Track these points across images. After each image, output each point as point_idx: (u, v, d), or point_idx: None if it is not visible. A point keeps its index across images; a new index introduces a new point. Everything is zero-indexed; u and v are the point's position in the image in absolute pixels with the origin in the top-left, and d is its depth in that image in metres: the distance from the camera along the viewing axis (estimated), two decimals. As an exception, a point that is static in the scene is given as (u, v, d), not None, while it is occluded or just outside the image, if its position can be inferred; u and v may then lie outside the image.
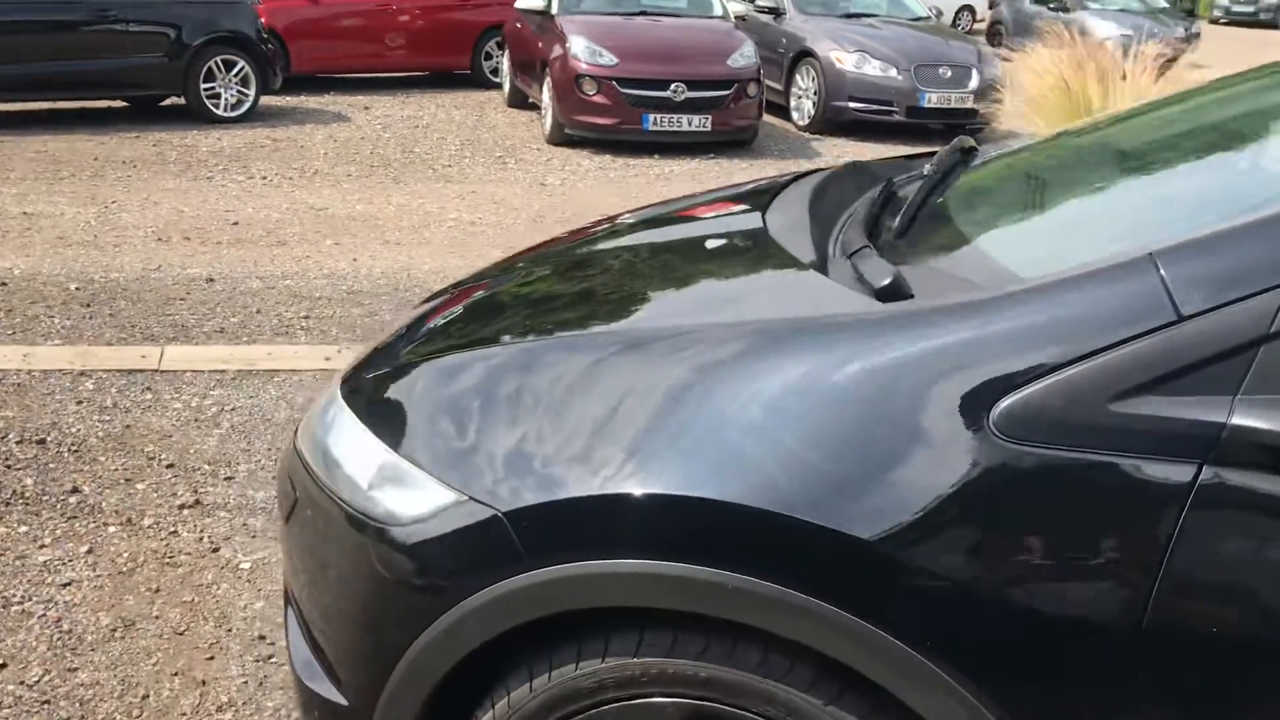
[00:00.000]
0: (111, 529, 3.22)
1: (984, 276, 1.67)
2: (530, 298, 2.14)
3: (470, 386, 1.80)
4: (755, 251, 2.03)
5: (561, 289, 2.15)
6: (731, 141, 9.83)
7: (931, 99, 10.66)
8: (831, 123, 10.88)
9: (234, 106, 9.90)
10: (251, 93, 9.95)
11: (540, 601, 1.59)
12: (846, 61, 10.81)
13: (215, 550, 3.14)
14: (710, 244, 2.17)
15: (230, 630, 2.80)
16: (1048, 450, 1.40)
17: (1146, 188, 2.07)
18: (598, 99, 9.36)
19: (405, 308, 2.54)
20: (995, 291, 1.53)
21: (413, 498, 1.73)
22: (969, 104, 10.72)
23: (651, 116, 9.35)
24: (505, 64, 11.53)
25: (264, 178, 7.89)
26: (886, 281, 1.63)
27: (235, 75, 9.86)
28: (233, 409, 4.02)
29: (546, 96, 9.77)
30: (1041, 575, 1.41)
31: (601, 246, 2.32)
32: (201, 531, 3.23)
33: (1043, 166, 2.43)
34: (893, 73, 10.71)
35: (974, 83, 10.75)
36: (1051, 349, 1.43)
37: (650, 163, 9.19)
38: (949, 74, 10.75)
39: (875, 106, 10.71)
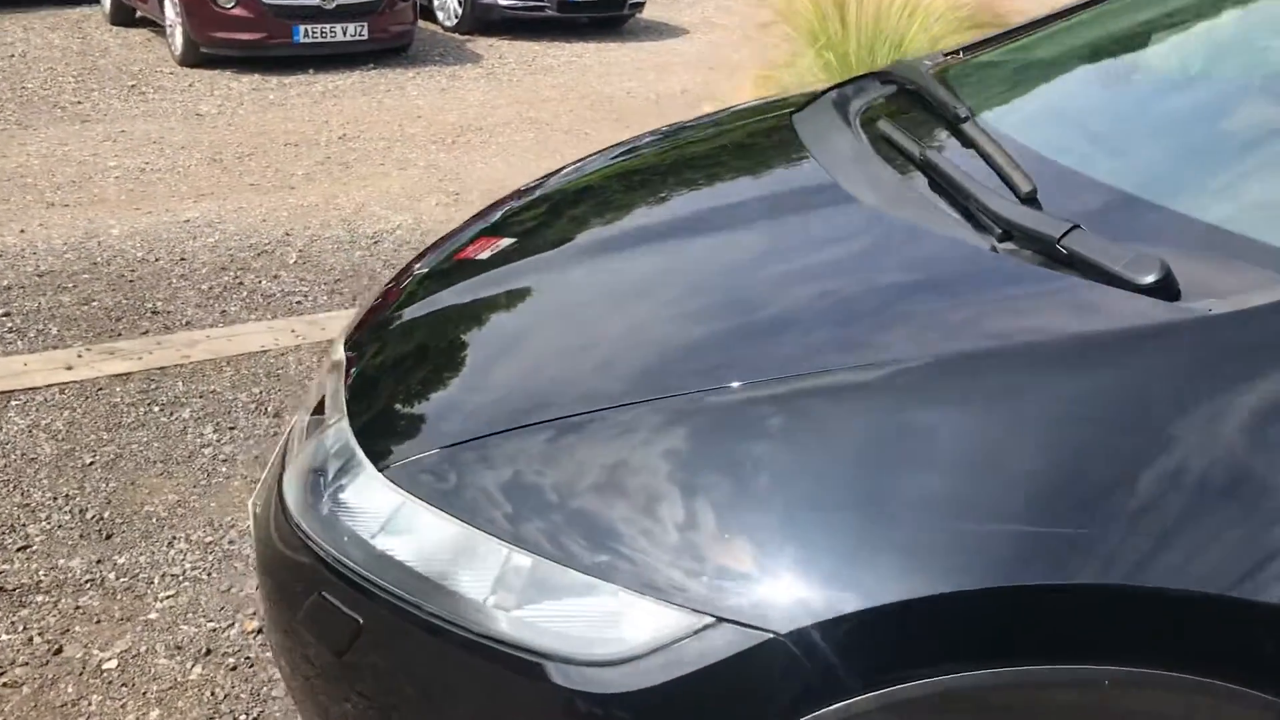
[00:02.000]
0: (-102, 650, 2.46)
1: (1232, 251, 1.45)
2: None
3: (660, 458, 1.39)
4: (887, 233, 1.71)
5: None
6: (388, 49, 9.12)
7: (582, -9, 10.38)
8: (481, 21, 10.36)
9: None
10: None
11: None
12: (491, -45, 10.28)
13: (59, 652, 2.46)
14: (814, 231, 1.80)
15: (134, 758, 2.21)
16: None
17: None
18: (237, 12, 8.34)
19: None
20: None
21: (614, 623, 1.32)
22: (618, -7, 10.55)
23: (302, 28, 8.48)
24: (101, -25, 10.06)
25: None
26: (1155, 276, 1.38)
27: None
28: (-21, 452, 3.20)
29: (171, 13, 8.59)
30: None
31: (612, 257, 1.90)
32: (26, 630, 2.53)
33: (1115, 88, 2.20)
34: (538, -35, 10.31)
35: (619, -28, 10.56)
36: None
37: (308, 79, 8.35)
38: (594, -36, 10.49)
39: (526, 2, 10.29)
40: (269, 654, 2.46)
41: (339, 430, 1.73)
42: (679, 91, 8.62)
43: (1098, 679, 1.21)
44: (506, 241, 2.14)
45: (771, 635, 1.24)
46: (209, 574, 2.73)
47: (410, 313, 2.00)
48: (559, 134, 7.25)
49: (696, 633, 1.27)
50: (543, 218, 2.25)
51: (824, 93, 2.45)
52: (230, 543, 2.85)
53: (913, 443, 1.31)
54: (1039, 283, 1.49)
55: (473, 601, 1.42)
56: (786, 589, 1.25)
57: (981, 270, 1.55)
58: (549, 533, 1.39)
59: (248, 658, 2.46)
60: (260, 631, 2.53)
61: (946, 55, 2.68)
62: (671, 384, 1.47)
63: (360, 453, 1.63)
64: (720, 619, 1.26)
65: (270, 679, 2.39)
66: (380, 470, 1.57)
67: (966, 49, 2.67)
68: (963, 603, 1.22)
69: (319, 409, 1.92)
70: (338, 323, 4.15)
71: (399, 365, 1.86)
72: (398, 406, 1.73)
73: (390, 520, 1.55)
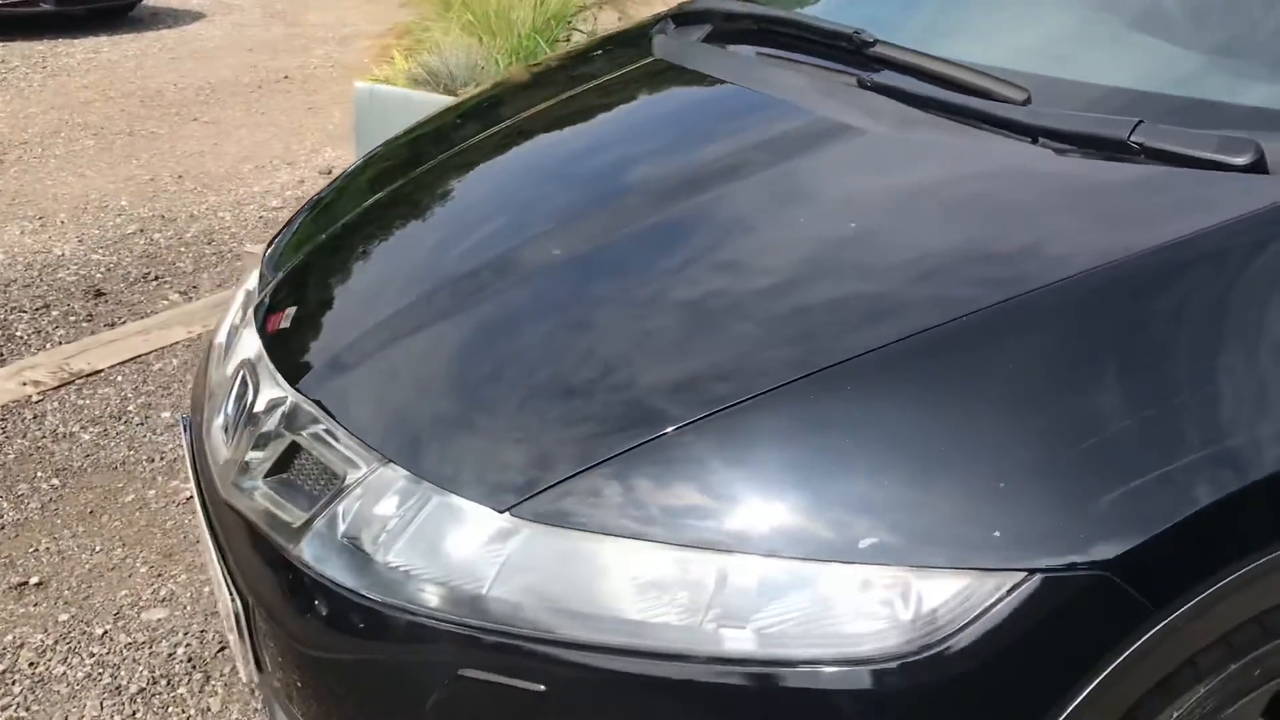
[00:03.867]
0: None
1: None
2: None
3: (882, 415, 1.28)
4: (934, 156, 1.64)
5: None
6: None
7: (78, -20, 9.28)
8: (-38, 25, 8.98)
9: None
10: None
11: (1174, 652, 1.22)
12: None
13: None
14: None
15: None
16: None
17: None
18: None
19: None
20: None
21: (892, 607, 1.19)
22: (120, -19, 9.54)
23: None
24: None
25: None
26: (1251, 156, 1.41)
27: None
28: None
29: None
30: None
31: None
32: None
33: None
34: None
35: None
36: None
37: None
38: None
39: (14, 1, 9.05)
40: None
41: (382, 479, 1.43)
42: (230, 78, 7.97)
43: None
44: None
45: (1098, 573, 1.17)
46: (27, 709, 2.19)
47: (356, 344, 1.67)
48: (123, 136, 6.46)
49: (1009, 591, 1.17)
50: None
51: (652, 31, 2.34)
52: (31, 665, 2.30)
53: (1139, 359, 1.28)
54: (1134, 180, 1.48)
55: (683, 626, 1.24)
56: (1088, 524, 1.18)
57: (1061, 178, 1.54)
58: (767, 529, 1.24)
59: (142, 791, 2.01)
60: (138, 756, 2.08)
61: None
62: (839, 345, 1.35)
63: (452, 496, 1.36)
64: (1032, 570, 1.17)
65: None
66: (501, 510, 1.31)
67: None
68: (1244, 498, 1.22)
69: (276, 470, 1.58)
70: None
71: (403, 400, 1.57)
72: (452, 442, 1.46)
73: (507, 564, 1.31)
